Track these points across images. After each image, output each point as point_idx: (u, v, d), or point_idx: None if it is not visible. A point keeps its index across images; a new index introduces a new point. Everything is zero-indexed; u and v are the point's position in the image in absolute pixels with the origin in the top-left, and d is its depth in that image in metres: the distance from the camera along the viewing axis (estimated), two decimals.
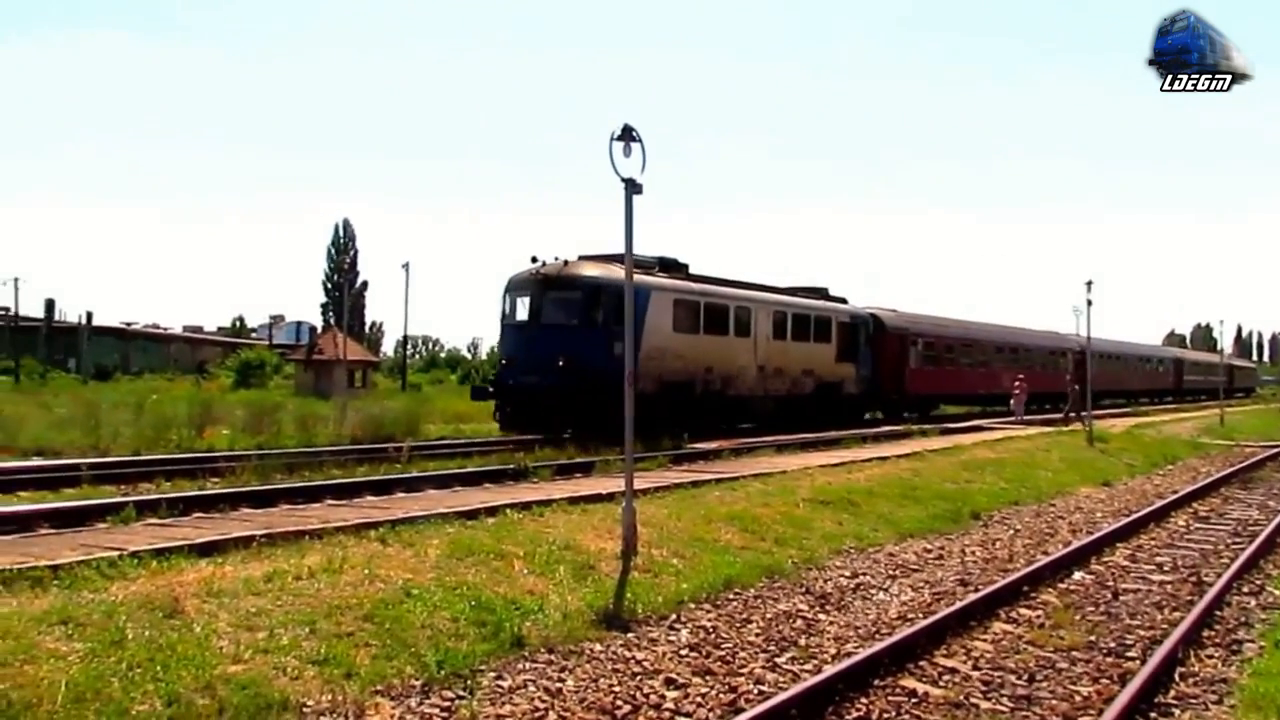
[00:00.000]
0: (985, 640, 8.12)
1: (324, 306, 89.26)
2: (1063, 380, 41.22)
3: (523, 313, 23.20)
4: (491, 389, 23.73)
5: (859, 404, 32.51)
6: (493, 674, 6.54)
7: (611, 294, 21.63)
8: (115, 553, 7.71)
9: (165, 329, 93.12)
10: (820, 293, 32.16)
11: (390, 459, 17.02)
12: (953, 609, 8.69)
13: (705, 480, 14.63)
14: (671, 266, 25.04)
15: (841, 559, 11.17)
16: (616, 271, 21.94)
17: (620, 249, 24.06)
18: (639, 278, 21.85)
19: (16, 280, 71.44)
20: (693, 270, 25.95)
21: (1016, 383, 36.80)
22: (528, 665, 6.80)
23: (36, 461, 15.60)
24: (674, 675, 6.91)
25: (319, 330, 72.74)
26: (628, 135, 9.04)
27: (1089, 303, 29.59)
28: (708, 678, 6.92)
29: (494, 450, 19.72)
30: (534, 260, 23.23)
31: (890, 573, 10.73)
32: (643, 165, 9.27)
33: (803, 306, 29.87)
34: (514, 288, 23.62)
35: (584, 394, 20.85)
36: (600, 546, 9.62)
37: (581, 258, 23.52)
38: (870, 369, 32.73)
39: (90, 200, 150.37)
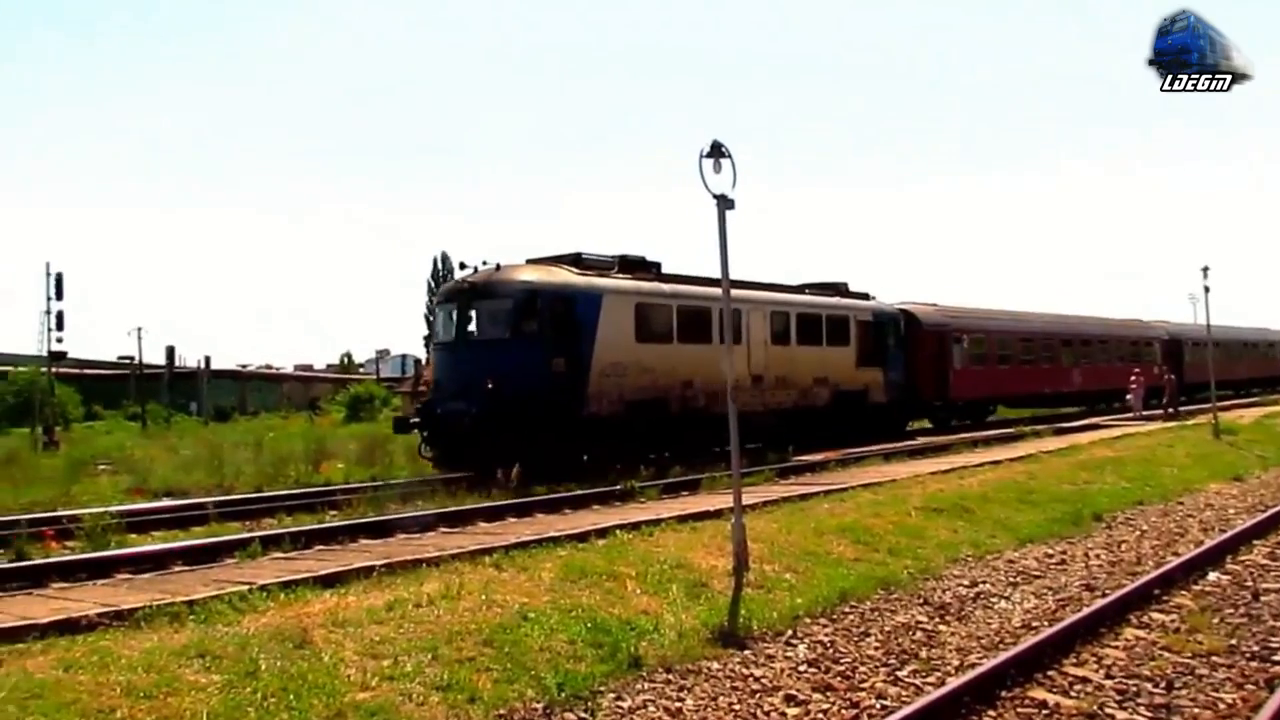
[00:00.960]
0: (1117, 647, 7.82)
1: (426, 338, 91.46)
2: (1151, 373, 38.18)
3: (450, 329, 19.91)
4: (416, 419, 19.80)
5: (889, 414, 28.25)
6: (612, 695, 6.57)
7: (549, 300, 18.88)
8: (245, 587, 8.01)
9: (278, 369, 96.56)
10: (836, 289, 27.83)
11: (498, 485, 17.26)
12: (1080, 615, 8.39)
13: (813, 492, 14.51)
14: (636, 265, 21.46)
15: (959, 568, 10.91)
16: (559, 275, 19.63)
17: (572, 249, 20.71)
18: (585, 280, 19.74)
19: (139, 330, 75.37)
20: (667, 270, 22.34)
21: (1133, 376, 35.24)
22: (646, 685, 6.81)
23: (167, 502, 16.28)
24: (794, 692, 6.83)
25: (423, 362, 74.51)
26: (717, 152, 9.07)
27: (1206, 289, 28.43)
28: (828, 693, 6.82)
29: (598, 473, 19.73)
30: (462, 267, 19.89)
31: (1011, 580, 10.43)
32: (733, 180, 9.30)
33: (810, 305, 25.85)
34: (442, 300, 20.39)
35: (517, 422, 17.71)
36: (712, 564, 9.60)
37: (529, 261, 20.53)
38: (902, 373, 28.80)
39: (201, 244, 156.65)
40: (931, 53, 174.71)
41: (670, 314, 20.99)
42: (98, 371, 72.09)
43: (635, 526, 11.22)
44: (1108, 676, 7.11)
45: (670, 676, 7.00)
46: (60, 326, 44.15)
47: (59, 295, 43.84)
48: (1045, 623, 8.56)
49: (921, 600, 9.48)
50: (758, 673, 7.21)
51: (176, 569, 9.84)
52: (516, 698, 6.30)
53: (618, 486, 15.40)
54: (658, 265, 21.88)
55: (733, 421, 9.88)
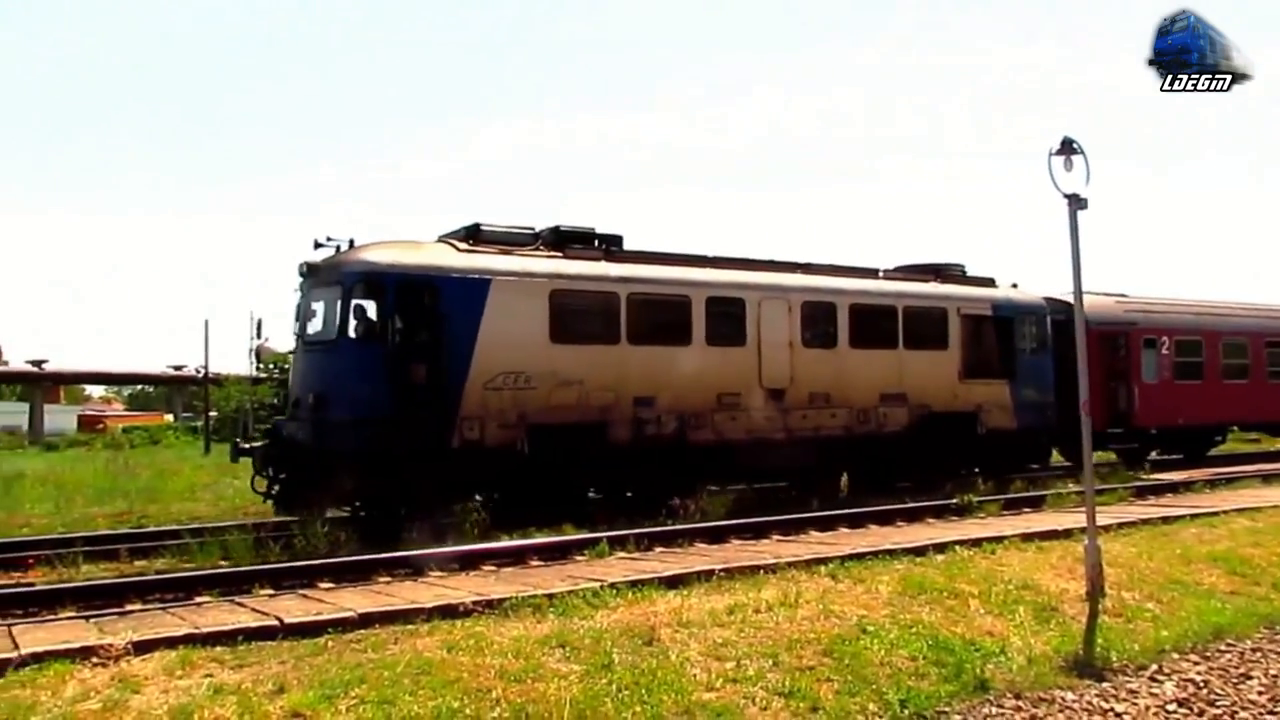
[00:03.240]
0: None
1: None
2: None
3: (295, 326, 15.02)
4: (251, 444, 14.88)
5: (1021, 445, 20.29)
6: (958, 717, 6.38)
7: (399, 287, 13.80)
8: (596, 583, 8.54)
9: None
10: (937, 271, 20.30)
11: (829, 494, 17.18)
12: None
13: (1177, 515, 13.28)
14: (572, 240, 15.85)
15: None
16: (423, 254, 14.47)
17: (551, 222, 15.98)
18: (464, 260, 14.53)
19: None
20: (632, 247, 16.54)
21: None
22: (994, 710, 6.54)
23: None
24: None
25: None
26: (1068, 149, 8.57)
27: None
28: None
29: (929, 485, 18.93)
30: (317, 246, 14.62)
31: None
32: (1086, 177, 8.72)
33: (875, 293, 18.54)
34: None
35: (348, 451, 13.21)
36: (1061, 587, 9.07)
37: (442, 238, 15.36)
38: (1048, 388, 20.42)
39: None
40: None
41: (616, 304, 15.47)
42: None
43: (976, 543, 10.80)
44: None
45: (1020, 704, 6.68)
46: None
47: None
48: None
49: None
50: (1119, 708, 6.72)
51: (534, 564, 10.63)
52: (858, 711, 6.27)
53: (953, 500, 14.85)
54: (615, 239, 16.32)
55: (1086, 434, 9.24)
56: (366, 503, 13.79)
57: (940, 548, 10.53)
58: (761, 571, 9.25)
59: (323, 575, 9.85)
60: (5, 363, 72.42)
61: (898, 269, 20.14)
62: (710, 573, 9.06)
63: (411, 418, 13.55)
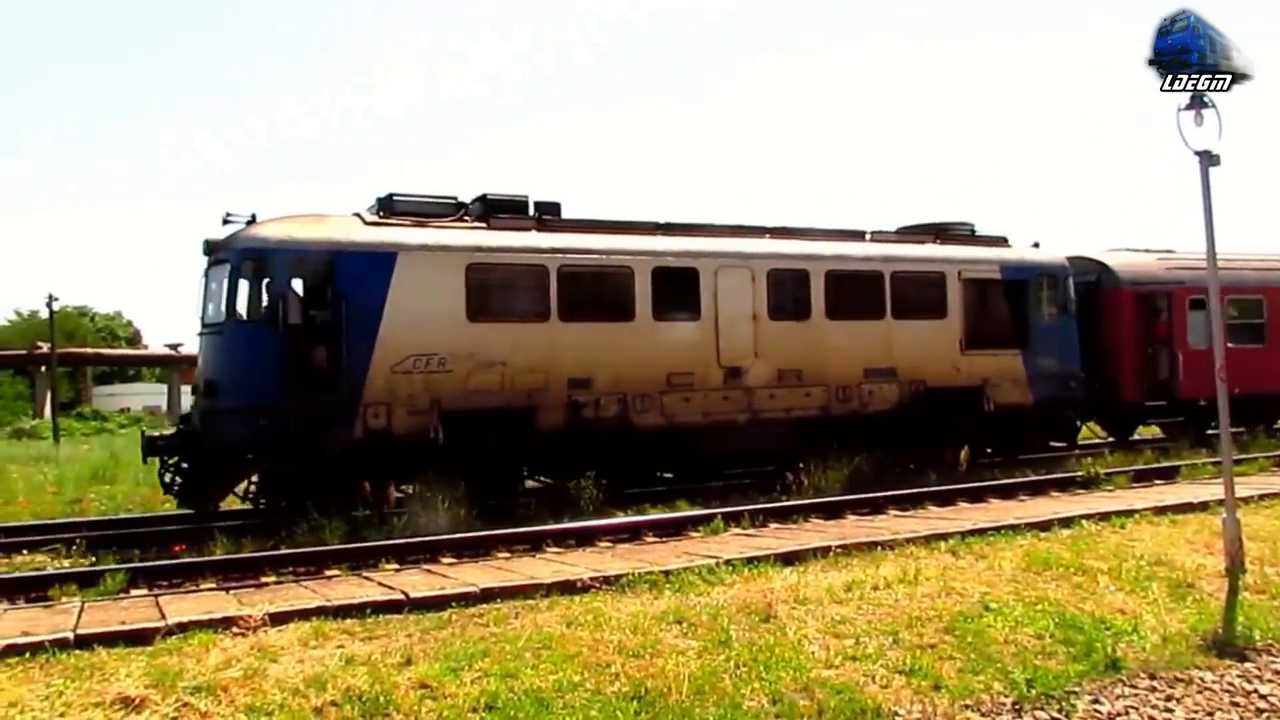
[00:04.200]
0: None
1: None
2: None
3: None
4: (161, 436, 13.66)
5: (1037, 421, 17.99)
6: (1089, 697, 6.20)
7: (290, 264, 12.93)
8: (711, 560, 8.55)
9: None
10: (939, 231, 18.07)
11: (948, 466, 16.79)
12: None
13: None
14: (499, 208, 14.55)
15: None
16: (323, 228, 13.37)
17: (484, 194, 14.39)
18: (367, 235, 13.46)
19: None
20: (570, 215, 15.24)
21: None
22: (1127, 690, 6.34)
23: None
24: None
25: None
26: (1198, 103, 8.14)
27: None
28: None
29: (1057, 457, 18.33)
30: (225, 222, 13.53)
31: None
32: (1219, 132, 8.27)
33: (857, 257, 16.58)
34: None
35: (239, 441, 12.47)
36: (1198, 563, 8.72)
37: (363, 214, 14.01)
38: (1073, 359, 18.14)
39: None
40: None
41: (545, 278, 14.09)
42: None
43: (1104, 517, 10.45)
44: None
45: (1155, 684, 6.46)
46: None
47: None
48: None
49: None
50: (1264, 689, 6.44)
51: (649, 540, 10.68)
52: (983, 689, 6.15)
53: (1078, 474, 14.36)
54: (551, 207, 15.01)
55: (1222, 402, 8.81)
56: (258, 495, 13.18)
57: (1066, 522, 10.22)
58: (879, 547, 9.13)
59: (444, 550, 10.11)
60: (145, 346, 76.29)
61: (894, 230, 18.17)
62: (826, 549, 8.98)
63: (308, 404, 12.64)
